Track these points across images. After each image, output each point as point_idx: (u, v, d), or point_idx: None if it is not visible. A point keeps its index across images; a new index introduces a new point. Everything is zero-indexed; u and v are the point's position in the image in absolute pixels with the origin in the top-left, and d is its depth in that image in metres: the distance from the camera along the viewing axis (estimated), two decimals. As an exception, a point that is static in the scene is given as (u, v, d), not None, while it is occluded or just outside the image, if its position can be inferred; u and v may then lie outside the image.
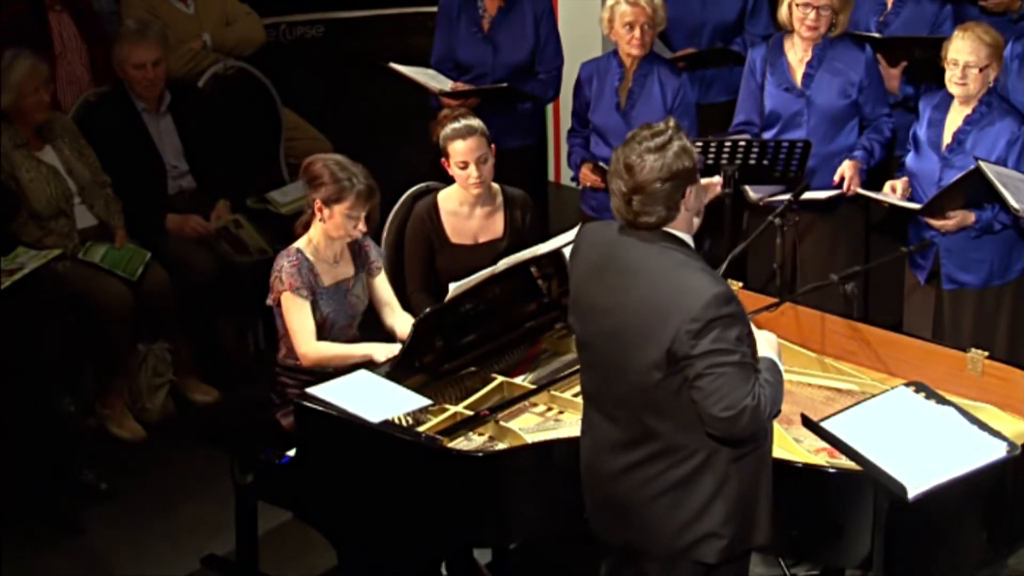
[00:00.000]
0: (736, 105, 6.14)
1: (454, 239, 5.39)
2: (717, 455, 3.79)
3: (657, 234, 3.80)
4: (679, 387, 3.73)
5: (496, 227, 5.43)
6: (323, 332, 4.98)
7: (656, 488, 3.83)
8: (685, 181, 3.77)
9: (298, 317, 4.91)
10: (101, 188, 6.24)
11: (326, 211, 4.93)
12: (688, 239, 3.83)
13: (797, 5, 5.85)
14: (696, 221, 3.86)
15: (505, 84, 6.31)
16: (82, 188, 6.16)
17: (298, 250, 4.98)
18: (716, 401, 3.68)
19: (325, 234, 4.99)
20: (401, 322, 5.08)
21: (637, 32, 6.00)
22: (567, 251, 5.04)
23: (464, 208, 5.40)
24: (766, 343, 3.90)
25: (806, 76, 5.94)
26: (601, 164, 6.05)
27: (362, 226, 4.97)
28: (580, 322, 3.97)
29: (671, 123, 3.81)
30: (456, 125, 5.24)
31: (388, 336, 5.13)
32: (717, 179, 5.52)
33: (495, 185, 5.41)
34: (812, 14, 5.83)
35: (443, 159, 5.29)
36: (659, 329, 3.71)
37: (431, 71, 6.45)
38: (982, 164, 5.36)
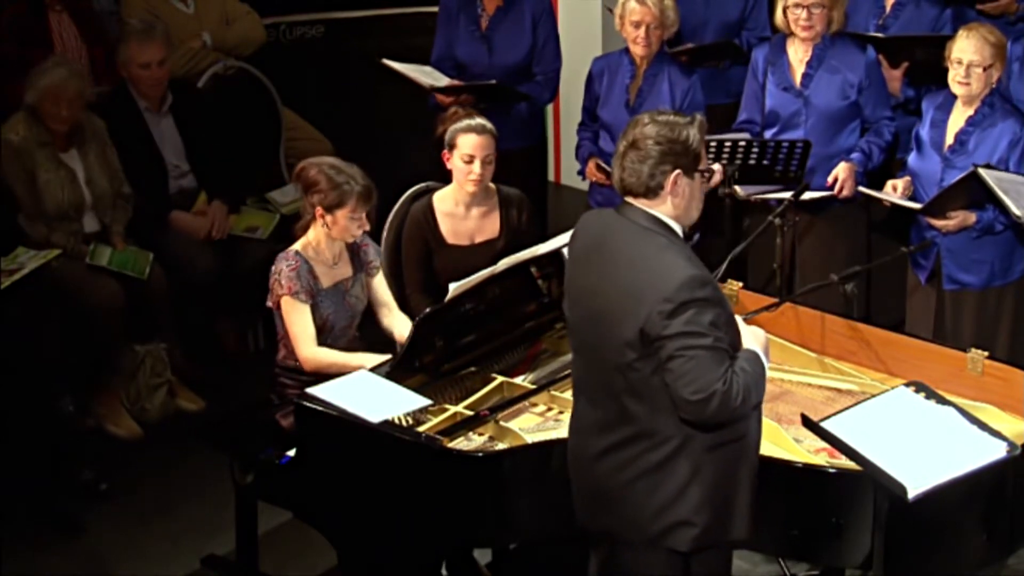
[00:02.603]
0: (740, 105, 6.16)
1: (450, 240, 5.39)
2: (692, 442, 3.81)
3: (645, 216, 3.84)
4: (654, 370, 3.76)
5: (492, 227, 5.43)
6: (324, 334, 4.98)
7: (631, 472, 3.85)
8: (674, 158, 3.80)
9: (298, 321, 4.91)
10: (116, 199, 6.22)
11: (328, 217, 4.93)
12: (677, 227, 3.86)
13: (789, 7, 5.86)
14: (691, 215, 3.89)
15: (493, 82, 6.30)
16: (97, 199, 6.15)
17: (297, 253, 4.98)
18: (686, 384, 3.70)
19: (326, 236, 4.99)
20: (399, 323, 5.09)
21: (642, 31, 5.99)
22: (567, 250, 5.05)
23: (460, 209, 5.40)
24: (752, 337, 3.91)
25: (805, 76, 5.94)
26: (602, 163, 6.05)
27: (365, 225, 4.98)
28: (570, 306, 4.01)
29: (699, 117, 3.88)
30: (471, 121, 5.27)
31: (386, 336, 5.14)
32: (717, 167, 5.36)
33: (491, 185, 5.42)
34: (804, 13, 5.84)
35: (445, 152, 5.30)
36: (634, 309, 3.74)
37: (426, 68, 6.45)
38: (981, 172, 5.35)
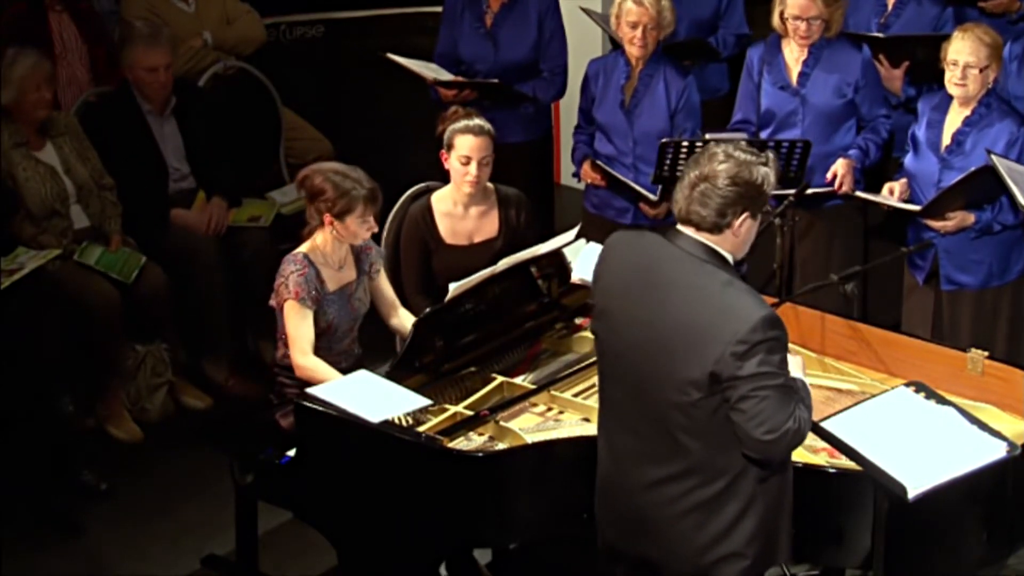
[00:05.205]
0: (734, 104, 6.16)
1: (449, 240, 5.39)
2: (745, 476, 3.79)
3: (701, 248, 3.78)
4: (716, 408, 3.72)
5: (491, 227, 5.43)
6: (327, 337, 4.98)
7: (683, 506, 3.82)
8: (747, 201, 3.76)
9: (299, 326, 4.89)
10: (100, 190, 6.23)
11: (338, 224, 4.92)
12: (731, 259, 3.81)
13: (786, 19, 5.87)
14: (745, 250, 3.86)
15: (496, 80, 6.29)
16: (79, 188, 6.15)
17: (305, 256, 4.96)
18: (759, 424, 3.68)
19: (334, 240, 4.97)
20: (405, 323, 5.08)
21: (639, 32, 5.99)
22: (568, 251, 5.06)
23: (458, 209, 5.40)
24: (795, 365, 3.90)
25: (802, 75, 5.95)
26: (600, 163, 6.05)
27: (374, 227, 4.98)
28: (609, 333, 3.92)
29: (771, 156, 3.83)
30: (468, 122, 5.27)
31: (385, 336, 5.13)
32: None
33: (489, 184, 5.42)
34: (803, 25, 5.86)
35: (443, 151, 5.30)
36: (702, 349, 3.69)
37: (431, 64, 6.44)
38: (994, 158, 5.33)
